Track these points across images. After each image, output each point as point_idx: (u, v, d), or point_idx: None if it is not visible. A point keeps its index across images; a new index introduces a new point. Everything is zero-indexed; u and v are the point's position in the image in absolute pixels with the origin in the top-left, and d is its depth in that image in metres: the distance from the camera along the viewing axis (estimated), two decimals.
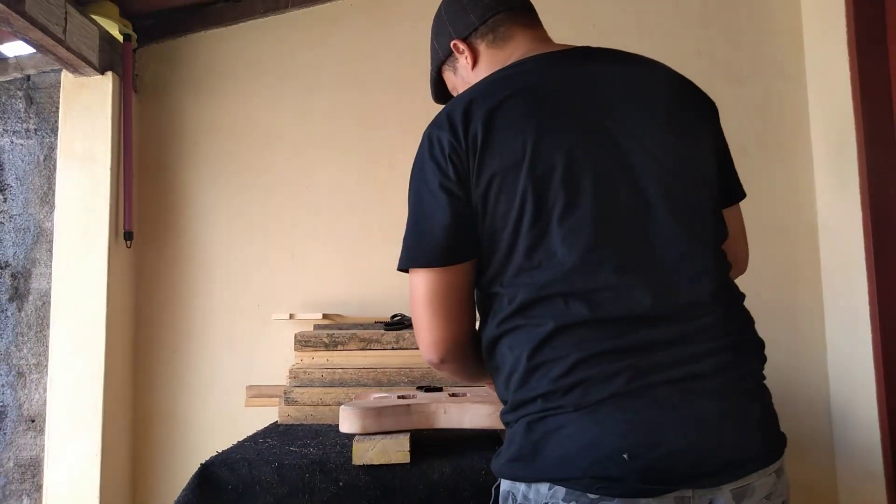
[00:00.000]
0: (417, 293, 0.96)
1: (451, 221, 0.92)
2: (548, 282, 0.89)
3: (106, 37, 2.18)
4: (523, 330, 0.90)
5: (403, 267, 0.97)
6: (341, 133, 2.35)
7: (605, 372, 0.85)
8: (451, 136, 0.92)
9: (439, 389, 1.51)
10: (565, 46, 1.05)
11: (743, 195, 1.11)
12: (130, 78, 2.26)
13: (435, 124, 0.97)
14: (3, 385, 2.24)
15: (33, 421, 2.23)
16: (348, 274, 2.29)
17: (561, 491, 0.84)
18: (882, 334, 1.91)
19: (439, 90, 1.25)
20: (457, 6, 1.12)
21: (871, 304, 1.94)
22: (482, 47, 1.10)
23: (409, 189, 0.98)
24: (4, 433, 2.23)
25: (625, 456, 0.82)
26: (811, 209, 2.25)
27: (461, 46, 1.11)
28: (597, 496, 0.82)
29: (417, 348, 1.81)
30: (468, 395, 1.44)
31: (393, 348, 1.77)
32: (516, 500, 0.90)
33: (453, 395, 1.44)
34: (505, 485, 0.93)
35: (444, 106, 1.02)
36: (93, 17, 2.10)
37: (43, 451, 2.16)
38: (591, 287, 0.88)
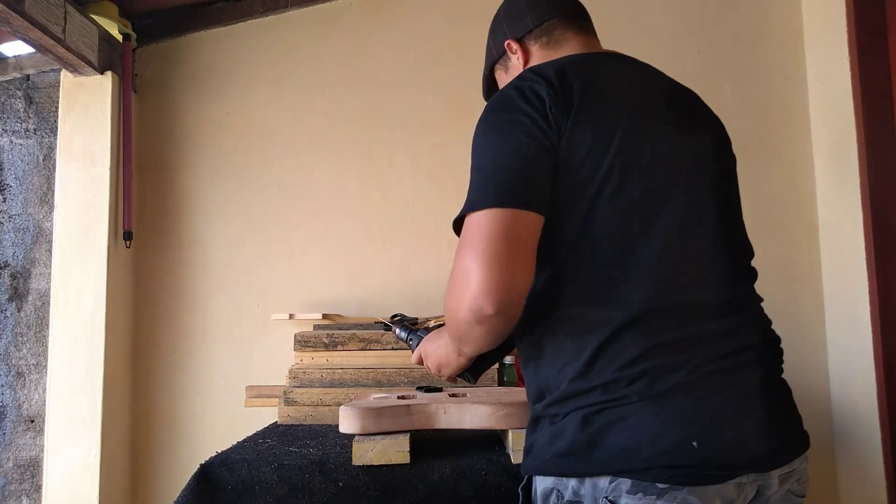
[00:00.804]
0: (485, 231, 0.84)
1: (546, 166, 0.89)
2: (622, 267, 0.90)
3: (105, 36, 2.18)
4: (590, 320, 0.90)
5: (481, 206, 0.86)
6: (341, 132, 2.35)
7: (669, 362, 0.87)
8: (548, 87, 0.91)
9: (439, 390, 1.51)
10: (614, 52, 1.10)
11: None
12: (130, 77, 2.26)
13: (524, 78, 0.95)
14: (2, 385, 2.24)
15: (33, 421, 2.23)
16: (348, 274, 2.29)
17: (626, 483, 0.84)
18: (883, 334, 1.91)
19: (490, 88, 1.27)
20: (514, 8, 1.16)
21: (871, 303, 1.94)
22: (535, 48, 1.13)
23: (490, 133, 0.92)
24: (4, 433, 2.22)
25: (694, 444, 0.83)
26: (811, 209, 2.25)
27: (514, 46, 1.14)
28: (666, 485, 0.82)
29: None
30: (468, 395, 1.43)
31: (393, 348, 1.77)
32: (562, 498, 0.89)
33: (453, 395, 1.44)
34: (546, 482, 0.92)
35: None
36: (92, 16, 2.10)
37: (42, 451, 2.16)
38: (661, 276, 0.90)
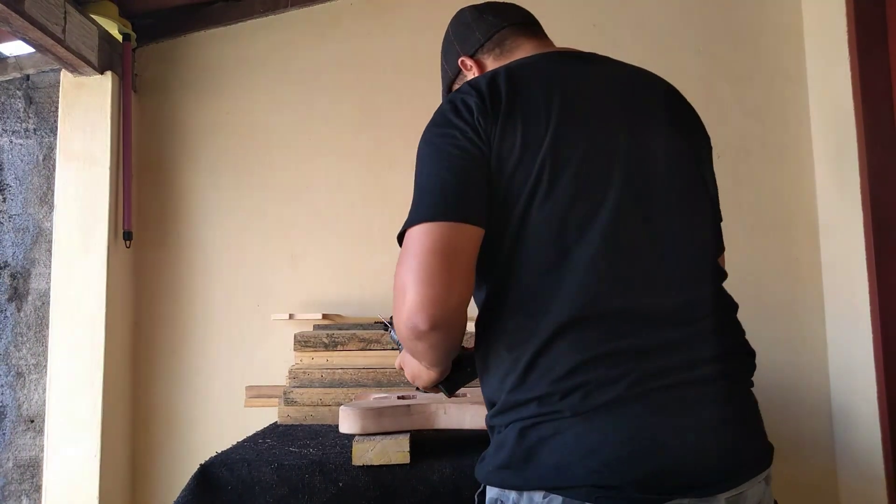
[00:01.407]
0: (425, 244, 0.85)
1: (478, 179, 0.88)
2: (554, 274, 0.87)
3: (105, 36, 2.18)
4: (525, 330, 0.88)
5: (417, 222, 0.87)
6: (341, 132, 2.35)
7: (605, 376, 0.84)
8: (477, 98, 0.91)
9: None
10: (570, 49, 1.07)
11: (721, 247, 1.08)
12: (130, 77, 2.26)
13: (458, 92, 0.96)
14: (2, 385, 2.24)
15: (32, 421, 2.23)
16: (348, 274, 2.29)
17: (557, 499, 0.82)
18: (883, 333, 1.91)
19: None
20: (462, 27, 1.16)
21: (871, 303, 1.94)
22: (489, 61, 1.12)
23: (424, 149, 0.94)
24: (4, 433, 2.22)
25: (622, 463, 0.80)
26: (812, 209, 2.25)
27: (468, 63, 1.14)
28: None
29: None
30: (468, 395, 1.43)
31: (393, 349, 1.77)
32: None
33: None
34: (492, 492, 0.91)
35: None
36: (92, 16, 2.10)
37: (42, 451, 2.16)
38: (597, 280, 0.87)
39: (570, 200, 0.88)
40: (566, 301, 0.86)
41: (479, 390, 1.51)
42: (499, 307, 0.91)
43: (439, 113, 0.95)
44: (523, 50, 1.09)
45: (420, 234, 0.86)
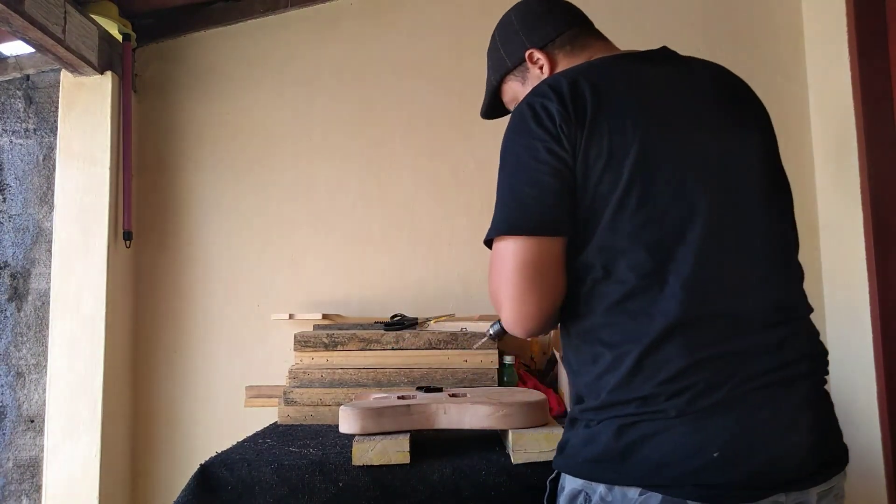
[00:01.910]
0: (511, 262, 0.91)
1: (558, 189, 0.90)
2: (657, 276, 0.88)
3: (105, 36, 2.18)
4: (628, 329, 0.89)
5: (502, 233, 0.92)
6: (341, 132, 2.35)
7: (712, 379, 0.85)
8: (559, 105, 0.91)
9: (439, 390, 1.51)
10: (635, 51, 1.06)
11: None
12: (130, 77, 2.26)
13: (537, 94, 0.94)
14: (2, 385, 2.24)
15: (32, 421, 2.23)
16: (348, 274, 2.29)
17: (656, 497, 0.84)
18: (883, 334, 1.91)
19: (493, 101, 1.24)
20: (532, 17, 1.14)
21: (871, 303, 1.94)
22: (560, 57, 1.11)
23: (507, 158, 0.95)
24: (4, 433, 2.22)
25: (715, 454, 0.83)
26: (812, 209, 2.25)
27: (537, 56, 1.12)
28: (696, 503, 0.83)
29: (417, 348, 1.81)
30: (468, 395, 1.43)
31: (393, 349, 1.77)
32: (590, 501, 0.89)
33: (453, 395, 1.44)
34: (575, 483, 0.92)
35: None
36: (92, 16, 2.10)
37: (42, 451, 2.16)
38: (703, 282, 0.88)
39: (666, 206, 0.90)
40: (673, 303, 0.87)
41: (479, 390, 1.52)
42: (595, 306, 0.92)
43: (519, 118, 0.94)
44: (593, 50, 1.09)
45: (508, 249, 0.91)
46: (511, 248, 0.91)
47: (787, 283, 0.96)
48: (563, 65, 1.10)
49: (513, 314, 0.93)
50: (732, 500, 0.83)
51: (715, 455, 0.83)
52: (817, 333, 0.99)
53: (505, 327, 0.97)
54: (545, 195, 0.90)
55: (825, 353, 0.98)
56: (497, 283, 0.94)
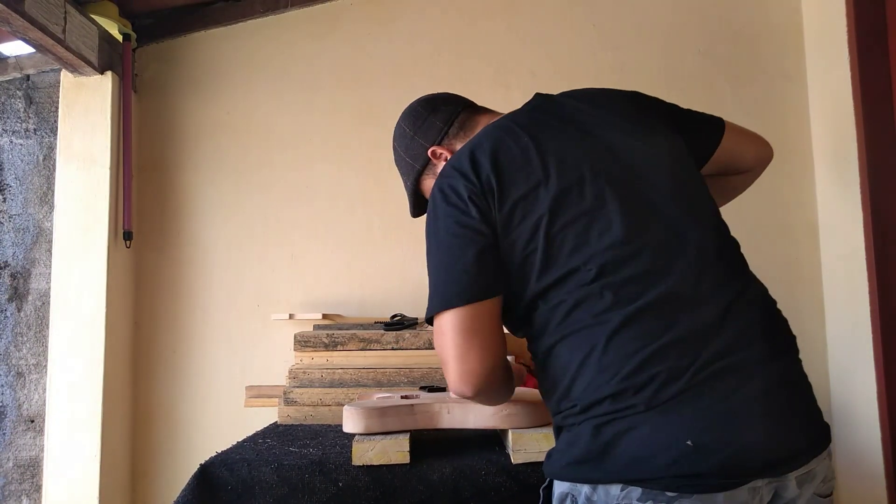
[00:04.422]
0: (448, 330, 0.97)
1: (478, 257, 0.96)
2: (594, 277, 0.93)
3: (105, 36, 2.18)
4: (583, 331, 0.93)
5: (438, 310, 0.98)
6: (341, 132, 2.35)
7: (673, 367, 0.88)
8: (464, 181, 0.99)
9: (443, 389, 1.50)
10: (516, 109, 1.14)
11: (720, 126, 1.17)
12: (130, 77, 2.26)
13: (443, 176, 1.03)
14: (2, 385, 2.24)
15: (32, 421, 2.23)
16: (348, 274, 2.29)
17: (636, 491, 0.86)
18: (883, 334, 1.91)
19: (417, 202, 1.31)
20: (420, 121, 1.23)
21: (871, 303, 1.94)
22: (456, 142, 1.20)
23: (429, 241, 1.02)
24: (4, 433, 2.22)
25: (689, 443, 0.84)
26: (812, 209, 2.25)
27: (439, 151, 1.20)
28: (675, 494, 0.84)
29: (417, 348, 1.81)
30: None
31: (393, 348, 1.77)
32: (576, 502, 0.91)
33: None
34: (562, 486, 0.95)
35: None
36: (92, 16, 2.10)
37: (42, 451, 2.16)
38: (637, 272, 0.93)
39: (586, 227, 0.95)
40: (616, 297, 0.92)
41: None
42: (551, 327, 0.97)
43: (432, 203, 1.03)
44: (482, 124, 1.18)
45: (446, 321, 0.97)
46: (448, 320, 0.97)
47: (733, 265, 1.00)
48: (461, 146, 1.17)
49: (456, 372, 0.96)
50: (708, 488, 0.84)
51: (689, 444, 0.84)
52: (776, 311, 1.02)
53: (450, 389, 0.99)
54: (468, 266, 0.96)
55: (789, 331, 1.00)
56: (441, 350, 0.99)
